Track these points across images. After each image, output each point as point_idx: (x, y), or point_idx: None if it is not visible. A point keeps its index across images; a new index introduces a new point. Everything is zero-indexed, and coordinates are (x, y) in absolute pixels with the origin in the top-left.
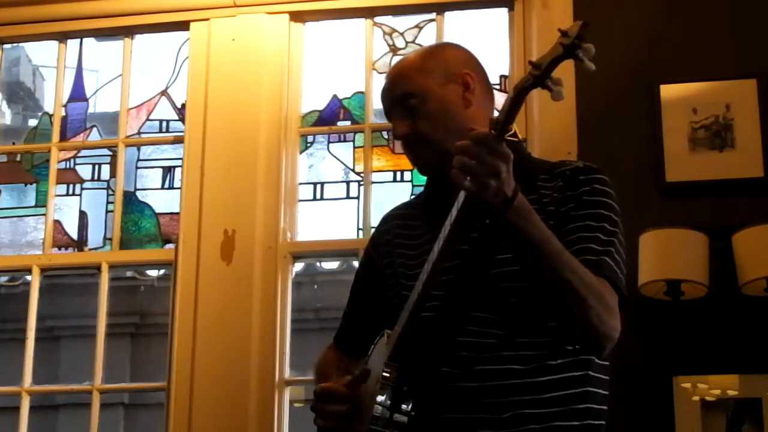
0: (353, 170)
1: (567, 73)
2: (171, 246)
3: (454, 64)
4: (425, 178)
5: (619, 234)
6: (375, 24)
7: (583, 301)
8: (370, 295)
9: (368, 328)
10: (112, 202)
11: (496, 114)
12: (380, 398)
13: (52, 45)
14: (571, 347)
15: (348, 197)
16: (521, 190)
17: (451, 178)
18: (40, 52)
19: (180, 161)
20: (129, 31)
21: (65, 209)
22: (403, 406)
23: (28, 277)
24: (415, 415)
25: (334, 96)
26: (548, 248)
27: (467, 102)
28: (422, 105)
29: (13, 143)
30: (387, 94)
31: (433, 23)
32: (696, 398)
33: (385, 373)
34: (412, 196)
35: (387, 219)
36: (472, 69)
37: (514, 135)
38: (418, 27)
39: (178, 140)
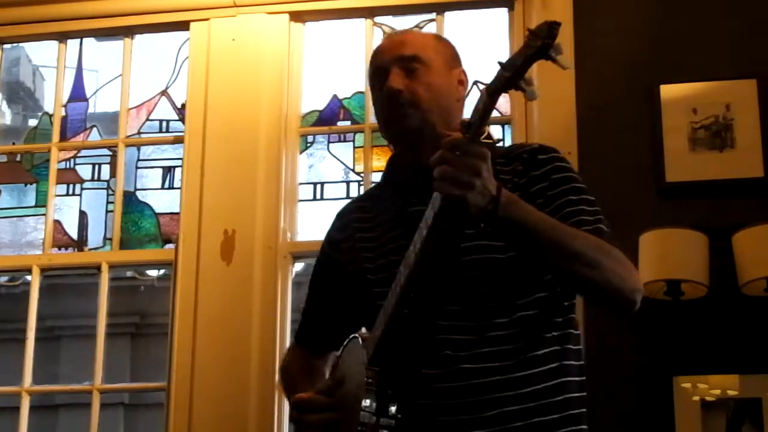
0: (353, 170)
1: (567, 73)
2: (171, 246)
3: (457, 59)
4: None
5: (595, 202)
6: (375, 24)
7: (599, 264)
8: (332, 292)
9: (332, 325)
10: (112, 202)
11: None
12: (365, 403)
13: (52, 45)
14: (544, 338)
15: (348, 197)
16: None
17: (436, 189)
18: (40, 52)
19: (180, 161)
20: (129, 31)
21: (65, 209)
22: (390, 410)
23: (28, 277)
24: (402, 419)
25: (334, 96)
26: (545, 227)
27: (458, 95)
28: (425, 72)
29: (13, 143)
30: (388, 52)
31: (433, 23)
32: (696, 398)
33: (368, 378)
34: (369, 188)
35: (343, 214)
36: (465, 72)
37: (488, 137)
38: (418, 27)
39: (178, 140)
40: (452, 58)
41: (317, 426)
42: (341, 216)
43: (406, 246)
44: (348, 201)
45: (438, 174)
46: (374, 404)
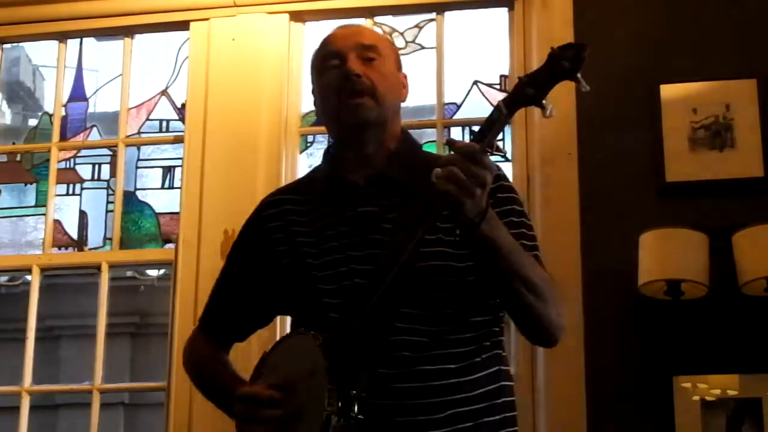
0: None
1: None
2: (171, 246)
3: (401, 64)
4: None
5: (533, 227)
6: (375, 24)
7: (543, 296)
8: (251, 284)
9: (246, 317)
10: (112, 202)
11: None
12: (328, 403)
13: (52, 45)
14: (488, 343)
15: None
16: (423, 182)
17: (438, 187)
18: (40, 52)
19: (180, 161)
20: (129, 31)
21: (65, 209)
22: (353, 410)
23: (28, 277)
24: (363, 419)
25: None
26: (514, 251)
27: (402, 95)
28: (380, 63)
29: (13, 143)
30: (346, 38)
31: (433, 23)
32: (696, 398)
33: (330, 378)
34: (298, 179)
35: (274, 204)
36: (407, 78)
37: (498, 149)
38: (418, 27)
39: (178, 140)
40: (399, 61)
41: (270, 422)
42: (274, 205)
43: (352, 245)
44: (277, 190)
45: (446, 174)
46: (338, 405)
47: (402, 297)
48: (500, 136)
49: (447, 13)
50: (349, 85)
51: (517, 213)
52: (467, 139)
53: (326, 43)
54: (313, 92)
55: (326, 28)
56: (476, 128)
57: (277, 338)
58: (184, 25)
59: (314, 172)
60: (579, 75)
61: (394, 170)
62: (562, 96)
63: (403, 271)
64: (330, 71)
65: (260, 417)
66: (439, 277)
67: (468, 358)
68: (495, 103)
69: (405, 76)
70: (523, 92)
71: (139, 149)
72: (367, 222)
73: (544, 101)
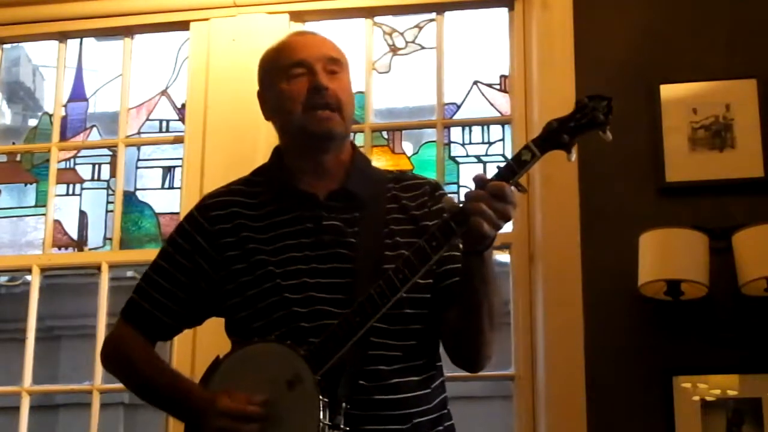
0: None
1: (567, 72)
2: None
3: None
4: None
5: None
6: (375, 24)
7: (494, 330)
8: (189, 283)
9: (179, 316)
10: (112, 202)
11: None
12: (319, 416)
13: (52, 45)
14: (437, 354)
15: None
16: (375, 197)
17: (471, 223)
18: (40, 52)
19: (180, 161)
20: (129, 31)
21: (65, 209)
22: (339, 422)
23: (28, 277)
24: (349, 431)
25: None
26: (495, 284)
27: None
28: (343, 76)
29: (13, 143)
30: (313, 47)
31: (433, 23)
32: (696, 398)
33: (321, 390)
34: (241, 179)
35: (218, 205)
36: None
37: (522, 187)
38: (418, 27)
39: (178, 140)
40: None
41: None
42: (220, 207)
43: (316, 257)
44: (219, 190)
45: (477, 210)
46: (327, 417)
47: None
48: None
49: (447, 13)
50: (319, 98)
51: None
52: (467, 139)
53: (291, 50)
54: (261, 94)
55: (326, 28)
56: (476, 130)
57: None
58: (184, 25)
59: (261, 175)
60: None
61: (353, 185)
62: (563, 96)
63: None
64: (296, 80)
65: (242, 431)
66: (409, 293)
67: (427, 371)
68: (493, 107)
69: None
70: (558, 138)
71: (139, 149)
72: (331, 235)
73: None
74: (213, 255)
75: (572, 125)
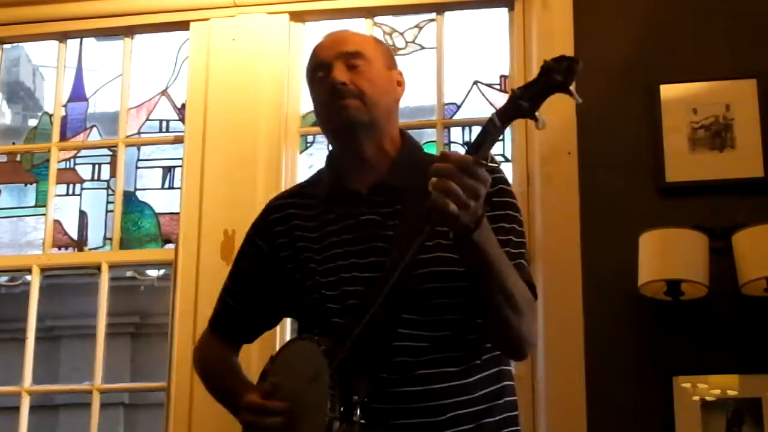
0: None
1: None
2: (171, 246)
3: (394, 61)
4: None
5: (524, 234)
6: (375, 24)
7: (520, 312)
8: (257, 286)
9: (253, 319)
10: (112, 202)
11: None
12: (331, 409)
13: (52, 45)
14: (489, 344)
15: None
16: (422, 188)
17: (433, 201)
18: (40, 52)
19: (180, 161)
20: (129, 31)
21: (65, 209)
22: (355, 415)
23: (28, 277)
24: (365, 423)
25: None
26: (501, 264)
27: (397, 96)
28: (367, 67)
29: (13, 143)
30: (330, 48)
31: (433, 23)
32: (696, 398)
33: (332, 384)
34: (301, 183)
35: (279, 208)
36: (402, 74)
37: (492, 161)
38: (418, 27)
39: (178, 140)
40: (391, 59)
41: (273, 429)
42: (277, 210)
43: (356, 252)
44: (281, 194)
45: (440, 187)
46: (340, 410)
47: (404, 304)
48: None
49: (447, 13)
50: (337, 94)
51: (509, 218)
52: (467, 139)
53: (313, 54)
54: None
55: (326, 28)
56: (475, 129)
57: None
58: (184, 25)
59: (317, 176)
60: (572, 88)
61: (395, 178)
62: (563, 96)
63: (403, 279)
64: (319, 83)
65: (264, 425)
66: (440, 283)
67: (468, 361)
68: (493, 108)
69: (399, 73)
70: (517, 105)
71: (139, 149)
72: (369, 230)
73: (537, 113)
74: (272, 257)
75: (532, 90)
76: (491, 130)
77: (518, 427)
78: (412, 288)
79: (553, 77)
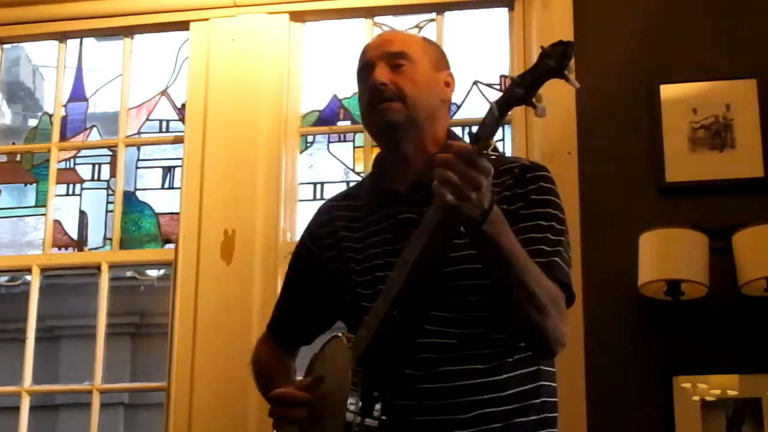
0: (353, 170)
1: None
2: (171, 246)
3: (445, 61)
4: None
5: (566, 233)
6: (375, 24)
7: (543, 309)
8: (308, 287)
9: (306, 320)
10: (112, 202)
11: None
12: (351, 403)
13: (52, 45)
14: (504, 346)
15: None
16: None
17: (433, 191)
18: (40, 52)
19: (180, 161)
20: (129, 31)
21: (65, 209)
22: (375, 410)
23: (28, 277)
24: (385, 419)
25: (334, 96)
26: (517, 258)
27: (444, 96)
28: (411, 68)
29: (13, 143)
30: (375, 48)
31: (433, 23)
32: (696, 398)
33: (353, 378)
34: (351, 187)
35: (326, 210)
36: (452, 76)
37: (495, 149)
38: (418, 27)
39: (178, 140)
40: (439, 59)
41: (296, 422)
42: (325, 212)
43: (392, 251)
44: (331, 197)
45: (440, 178)
46: (359, 404)
47: (432, 300)
48: (498, 136)
49: (447, 13)
50: (376, 94)
51: (548, 216)
52: (467, 139)
53: (361, 54)
54: None
55: (326, 28)
56: (475, 128)
57: None
58: (184, 25)
59: (367, 178)
60: (567, 72)
61: (431, 176)
62: (563, 95)
63: (425, 274)
64: (363, 83)
65: (288, 417)
66: (470, 280)
67: (498, 359)
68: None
69: (449, 74)
70: (513, 93)
71: (139, 149)
72: (406, 228)
73: (534, 100)
74: (319, 259)
75: (529, 77)
76: (490, 119)
77: (556, 430)
78: (442, 285)
79: (547, 63)
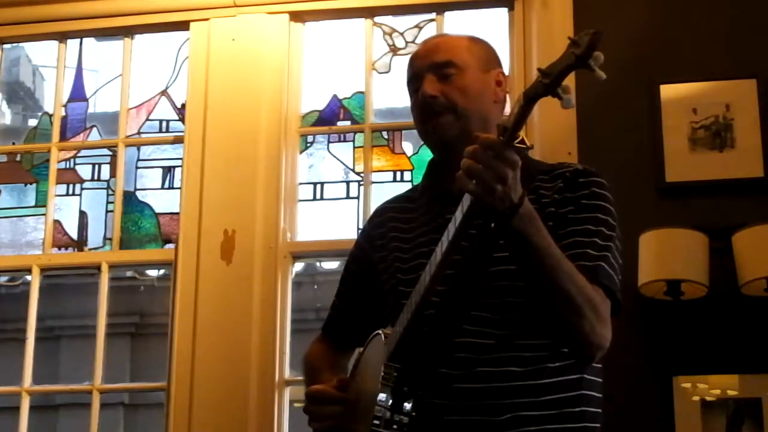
0: (353, 170)
1: None
2: (171, 246)
3: (495, 59)
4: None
5: (615, 239)
6: (375, 24)
7: (578, 310)
8: (361, 287)
9: (359, 320)
10: (112, 202)
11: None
12: (381, 398)
13: (52, 45)
14: (546, 349)
15: (348, 197)
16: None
17: (457, 181)
18: (40, 52)
19: (180, 161)
20: (129, 31)
21: (65, 209)
22: (405, 407)
23: (28, 277)
24: (416, 416)
25: (334, 96)
26: (549, 256)
27: (496, 96)
28: (459, 76)
29: (13, 143)
30: (422, 58)
31: (433, 23)
32: (696, 398)
33: (384, 374)
34: (407, 189)
35: (381, 212)
36: (503, 73)
37: (522, 142)
38: (418, 27)
39: (178, 140)
40: (488, 59)
41: (328, 418)
42: (379, 214)
43: None
44: (387, 199)
45: (465, 169)
46: (390, 400)
47: (473, 300)
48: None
49: (447, 13)
50: (426, 109)
51: (597, 221)
52: None
53: (408, 65)
54: None
55: (326, 28)
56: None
57: None
58: (184, 25)
59: (423, 180)
60: (593, 63)
61: None
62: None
63: (465, 274)
64: (414, 95)
65: (320, 414)
66: (512, 281)
67: (538, 363)
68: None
69: (499, 72)
70: (540, 83)
71: (139, 149)
72: None
73: (560, 91)
74: (371, 258)
75: (555, 68)
76: (516, 110)
77: None
78: (484, 285)
79: (572, 52)
